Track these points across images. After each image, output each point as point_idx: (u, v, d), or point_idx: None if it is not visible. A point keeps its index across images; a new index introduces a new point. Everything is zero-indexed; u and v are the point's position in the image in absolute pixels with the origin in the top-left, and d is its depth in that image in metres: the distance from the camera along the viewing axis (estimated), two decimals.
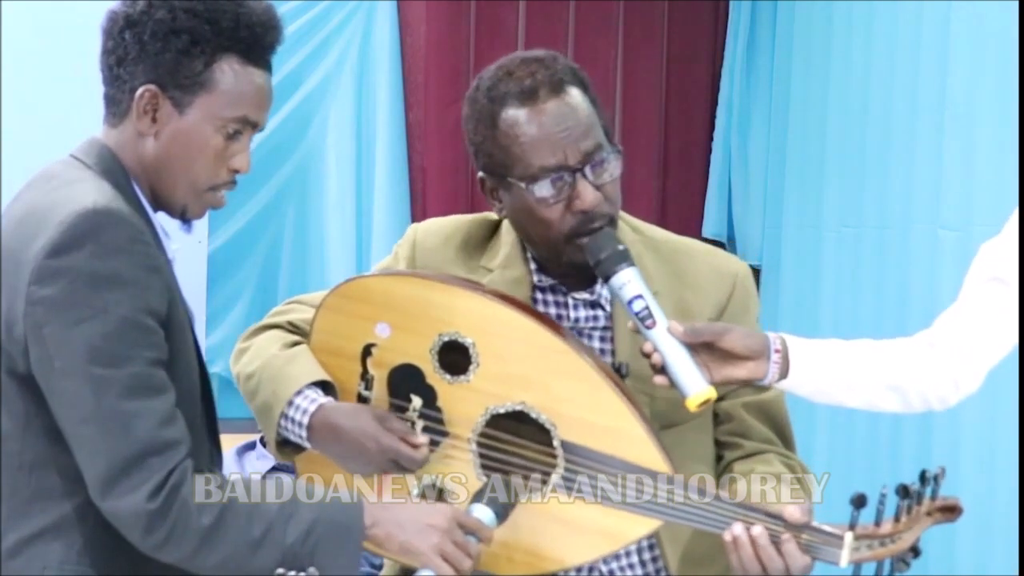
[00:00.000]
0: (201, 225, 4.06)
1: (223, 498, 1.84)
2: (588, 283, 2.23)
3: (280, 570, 1.84)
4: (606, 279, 2.08)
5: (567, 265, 2.18)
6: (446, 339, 2.10)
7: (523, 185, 2.11)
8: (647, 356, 2.05)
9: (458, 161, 4.68)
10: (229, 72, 1.93)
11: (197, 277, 4.28)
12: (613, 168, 2.13)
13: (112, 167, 1.93)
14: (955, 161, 3.73)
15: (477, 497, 2.04)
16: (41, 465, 1.87)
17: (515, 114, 2.12)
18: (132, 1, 1.94)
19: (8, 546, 1.88)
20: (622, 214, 2.26)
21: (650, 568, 2.22)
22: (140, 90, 1.91)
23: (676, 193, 4.90)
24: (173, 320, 1.89)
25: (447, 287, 2.13)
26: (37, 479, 1.87)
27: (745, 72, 4.80)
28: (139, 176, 1.95)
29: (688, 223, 4.79)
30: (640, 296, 2.05)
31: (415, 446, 2.07)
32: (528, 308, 2.14)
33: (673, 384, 2.03)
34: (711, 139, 4.91)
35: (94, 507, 1.85)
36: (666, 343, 2.03)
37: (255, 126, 1.98)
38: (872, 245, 4.14)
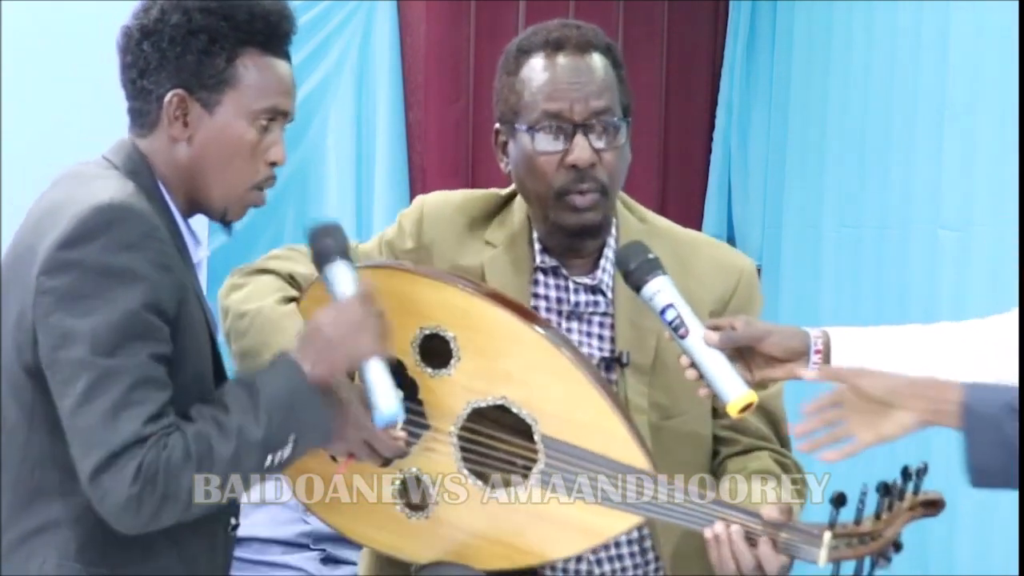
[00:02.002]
0: (201, 225, 4.06)
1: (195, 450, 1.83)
2: (590, 267, 2.24)
3: (269, 457, 1.87)
4: (637, 289, 2.08)
5: (553, 226, 2.21)
6: (428, 332, 2.11)
7: (526, 131, 2.16)
8: (684, 368, 2.04)
9: (458, 161, 4.69)
10: (251, 65, 1.96)
11: None
12: (616, 136, 2.17)
13: (138, 168, 1.95)
14: (955, 161, 3.73)
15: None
16: (44, 461, 1.88)
17: (535, 61, 2.19)
18: (144, 12, 1.96)
19: (8, 541, 1.89)
20: (631, 203, 2.29)
21: (639, 560, 2.23)
22: (168, 96, 1.94)
23: (676, 193, 4.90)
24: (184, 320, 1.89)
25: (430, 280, 2.13)
26: (40, 475, 1.88)
27: (745, 72, 4.80)
28: (173, 183, 1.97)
29: (688, 223, 4.72)
30: (672, 305, 2.04)
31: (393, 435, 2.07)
32: (513, 303, 2.15)
33: (712, 391, 2.02)
34: (711, 139, 4.91)
35: None
36: (701, 350, 2.01)
37: (285, 116, 2.00)
38: (872, 245, 4.14)
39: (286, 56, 2.01)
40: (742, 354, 2.03)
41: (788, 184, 4.61)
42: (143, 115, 1.97)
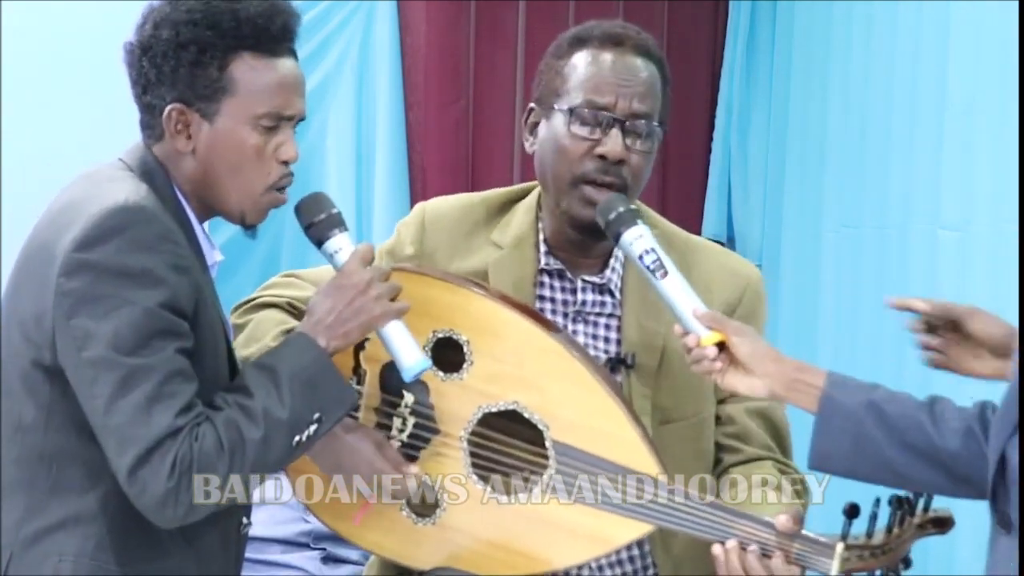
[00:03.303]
0: None
1: (226, 439, 1.85)
2: (599, 267, 2.23)
3: (296, 437, 1.89)
4: (616, 237, 2.08)
5: (565, 217, 2.20)
6: (440, 336, 2.11)
7: (565, 111, 2.18)
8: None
9: (458, 161, 4.69)
10: (246, 70, 1.94)
11: None
12: (648, 143, 2.18)
13: (152, 170, 1.96)
14: (955, 161, 3.73)
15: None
16: (62, 457, 1.89)
17: (591, 51, 2.21)
18: (140, 28, 1.97)
19: (25, 536, 1.89)
20: (645, 209, 2.28)
21: (638, 564, 2.22)
22: (166, 110, 1.94)
23: (676, 193, 4.90)
24: (200, 321, 1.90)
25: (445, 284, 2.13)
26: (57, 471, 1.89)
27: (745, 72, 4.80)
28: (187, 190, 1.97)
29: (688, 223, 4.74)
30: (651, 250, 2.04)
31: (407, 476, 2.07)
32: (525, 308, 2.15)
33: (685, 328, 2.02)
34: (711, 139, 4.91)
35: (113, 501, 1.87)
36: (677, 293, 2.02)
37: (291, 118, 1.99)
38: (872, 245, 4.14)
39: (287, 53, 1.99)
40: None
41: (788, 184, 4.61)
42: (151, 128, 1.98)
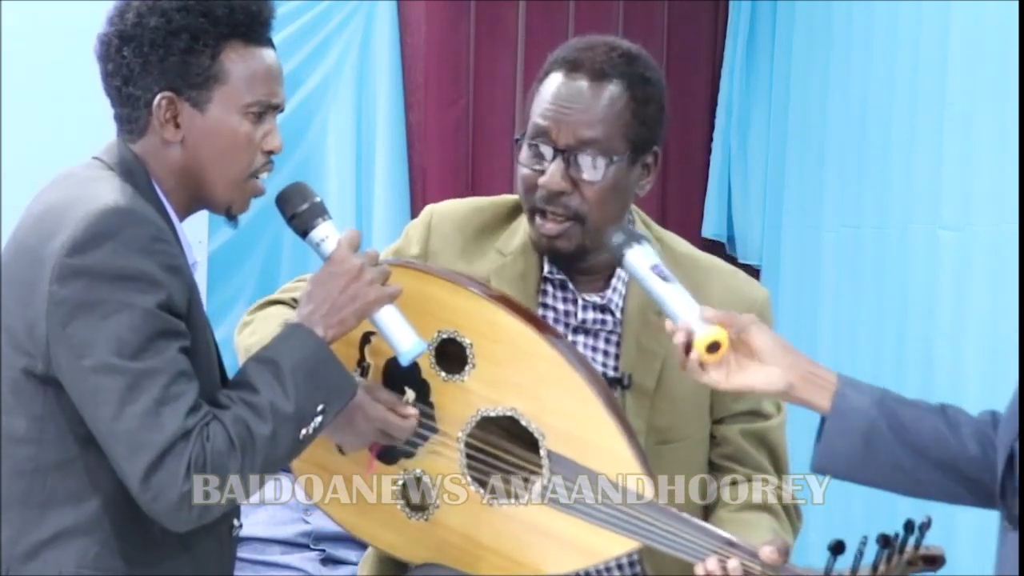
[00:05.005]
0: (201, 225, 4.06)
1: (235, 439, 1.83)
2: (600, 285, 2.22)
3: (303, 431, 1.88)
4: (619, 261, 2.03)
5: (533, 243, 2.19)
6: (445, 337, 2.11)
7: (519, 140, 2.16)
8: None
9: (458, 161, 4.68)
10: (237, 58, 1.94)
11: (197, 277, 4.27)
12: (598, 172, 2.12)
13: (133, 169, 1.93)
14: (955, 161, 3.73)
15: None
16: (57, 468, 1.87)
17: (552, 76, 2.16)
18: (120, 18, 1.93)
19: (23, 550, 1.87)
20: (649, 222, 2.26)
21: (627, 572, 2.23)
22: (156, 99, 1.91)
23: (676, 193, 4.89)
24: (192, 320, 1.89)
25: (452, 285, 2.13)
26: (53, 483, 1.87)
27: (745, 72, 4.80)
28: (169, 185, 1.95)
29: (688, 223, 4.79)
30: (657, 264, 2.00)
31: (404, 416, 2.06)
32: (531, 316, 2.14)
33: (678, 329, 1.98)
34: (711, 139, 4.91)
35: (112, 508, 1.86)
36: (674, 297, 1.97)
37: (276, 107, 1.99)
38: (872, 245, 4.14)
39: (269, 43, 1.99)
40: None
41: (788, 184, 4.61)
42: (132, 121, 1.94)
